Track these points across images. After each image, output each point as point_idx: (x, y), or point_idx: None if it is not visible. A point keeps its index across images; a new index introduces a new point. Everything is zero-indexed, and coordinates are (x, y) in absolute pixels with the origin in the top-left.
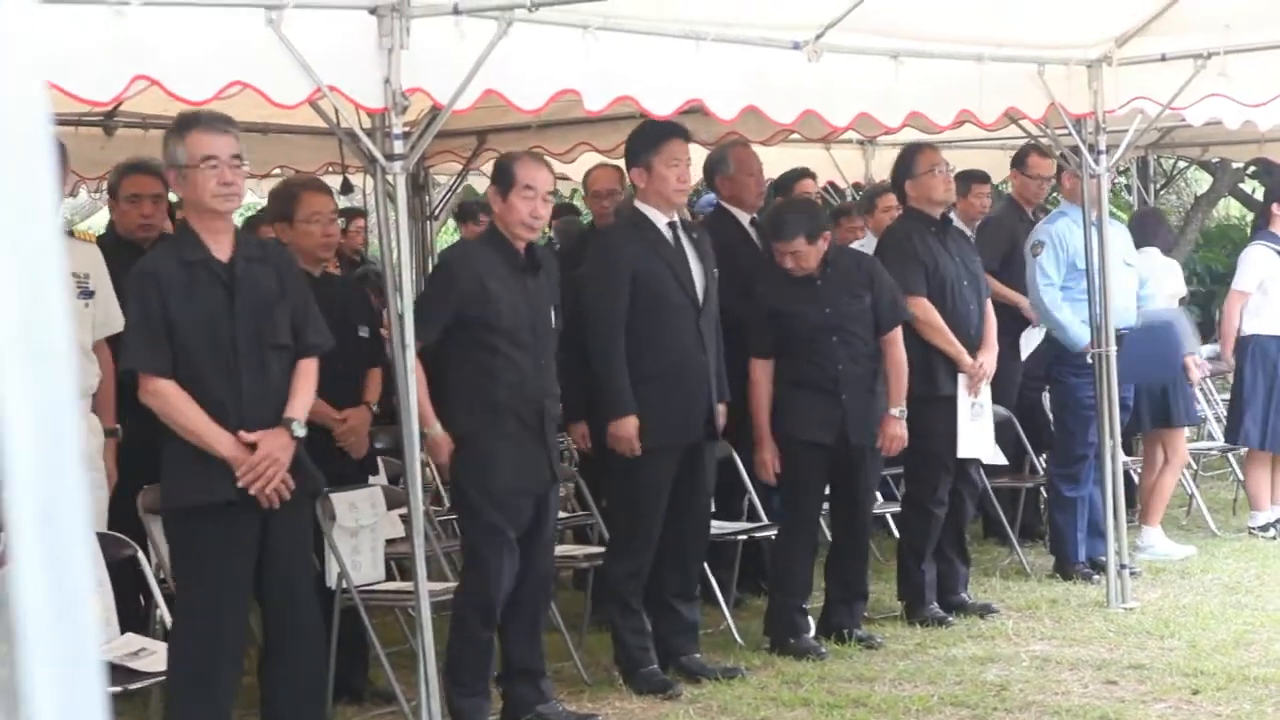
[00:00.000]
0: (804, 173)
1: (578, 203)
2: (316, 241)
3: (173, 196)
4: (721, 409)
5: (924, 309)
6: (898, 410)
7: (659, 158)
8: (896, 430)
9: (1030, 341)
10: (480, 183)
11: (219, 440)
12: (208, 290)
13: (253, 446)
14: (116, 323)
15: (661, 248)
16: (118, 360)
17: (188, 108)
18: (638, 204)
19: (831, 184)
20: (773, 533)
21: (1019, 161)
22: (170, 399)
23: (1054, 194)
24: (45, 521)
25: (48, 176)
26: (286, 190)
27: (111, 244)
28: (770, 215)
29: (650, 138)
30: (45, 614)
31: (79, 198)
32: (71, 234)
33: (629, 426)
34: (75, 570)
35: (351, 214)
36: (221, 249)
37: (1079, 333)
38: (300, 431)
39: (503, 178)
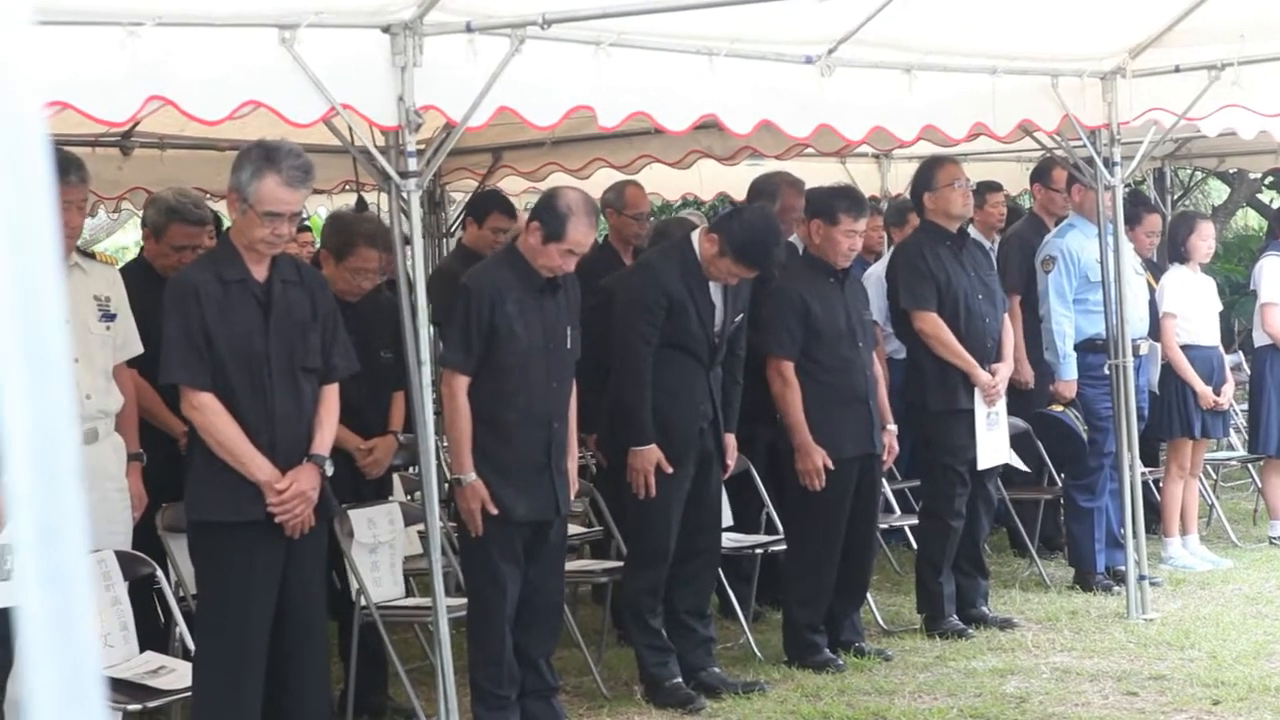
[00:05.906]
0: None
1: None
2: (351, 287)
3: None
4: (730, 441)
5: (933, 324)
6: (891, 424)
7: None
8: (893, 443)
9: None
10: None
11: (257, 464)
12: (244, 309)
13: None
14: (135, 346)
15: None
16: (149, 377)
17: (203, 127)
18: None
19: None
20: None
21: (1042, 175)
22: (213, 414)
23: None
24: (45, 541)
25: (46, 195)
26: (347, 229)
27: (143, 274)
28: (823, 197)
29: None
30: (44, 633)
31: (97, 217)
32: (94, 256)
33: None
34: (75, 589)
35: (301, 229)
36: (259, 270)
37: (1070, 369)
38: (330, 470)
39: (553, 226)
